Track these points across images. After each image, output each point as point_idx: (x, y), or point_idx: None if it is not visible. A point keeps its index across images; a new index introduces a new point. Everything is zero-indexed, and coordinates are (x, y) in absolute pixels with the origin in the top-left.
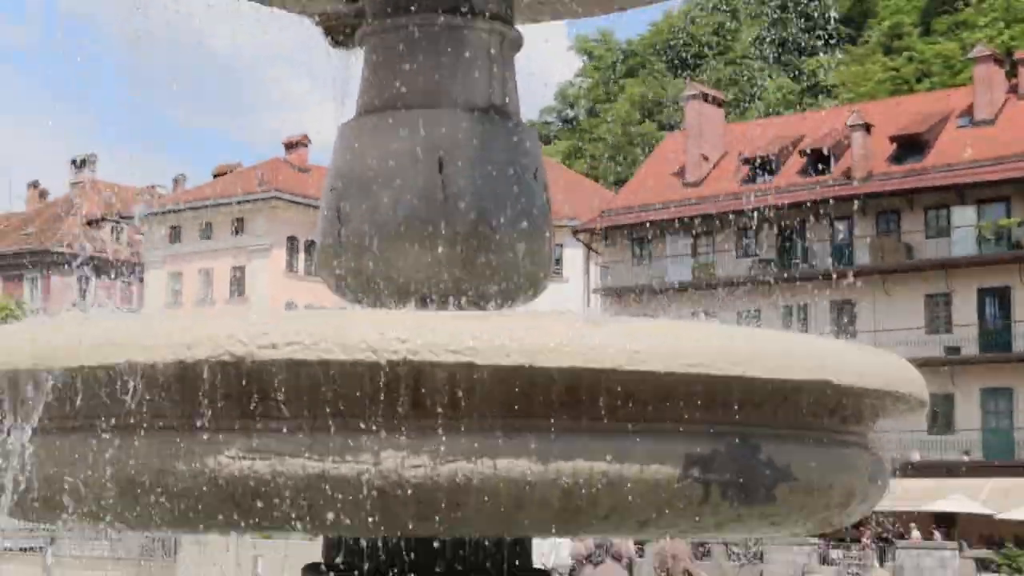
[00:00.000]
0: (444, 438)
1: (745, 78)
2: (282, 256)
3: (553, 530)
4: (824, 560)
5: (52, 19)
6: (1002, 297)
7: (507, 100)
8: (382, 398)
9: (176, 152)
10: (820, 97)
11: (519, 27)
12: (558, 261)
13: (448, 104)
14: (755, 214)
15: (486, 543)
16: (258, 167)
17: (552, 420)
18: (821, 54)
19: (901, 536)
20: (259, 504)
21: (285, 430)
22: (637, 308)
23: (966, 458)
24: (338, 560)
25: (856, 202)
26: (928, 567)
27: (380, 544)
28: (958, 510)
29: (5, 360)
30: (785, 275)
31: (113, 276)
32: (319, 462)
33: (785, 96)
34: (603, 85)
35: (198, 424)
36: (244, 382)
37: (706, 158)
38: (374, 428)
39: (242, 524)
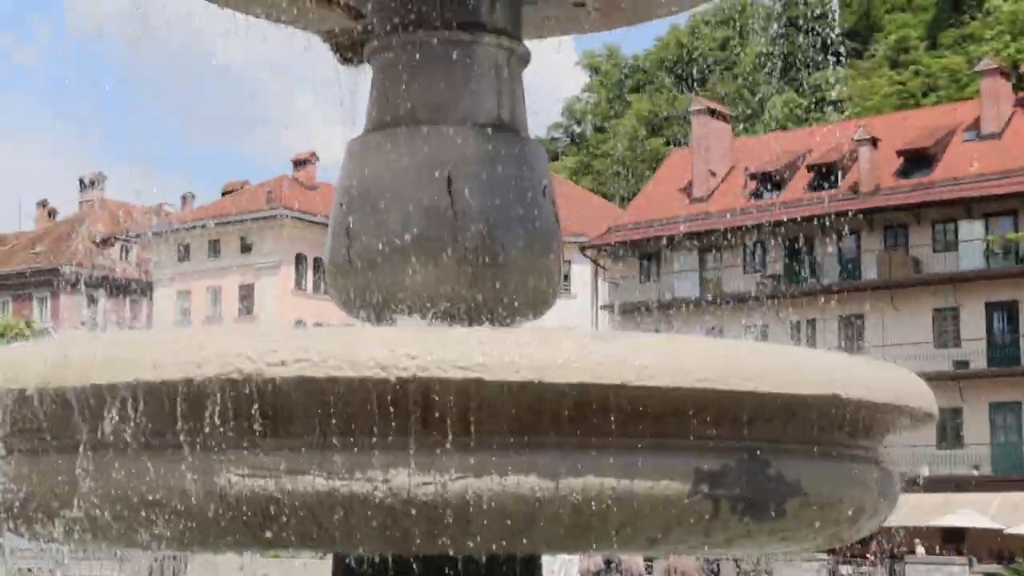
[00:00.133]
0: (453, 455)
1: (751, 93)
2: (290, 274)
3: (563, 547)
4: None
5: (59, 39)
6: (1010, 311)
7: (515, 116)
8: (391, 415)
9: (184, 170)
10: (826, 111)
11: (527, 43)
12: (566, 277)
13: (456, 120)
14: (762, 229)
15: (496, 560)
16: (266, 185)
17: (561, 436)
18: (827, 68)
19: (905, 553)
20: (268, 522)
21: (294, 448)
22: (645, 324)
23: (975, 472)
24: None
25: (863, 216)
26: None
27: (390, 562)
28: (967, 525)
29: (11, 379)
30: (793, 290)
31: (122, 295)
32: (328, 480)
33: (791, 111)
34: (610, 101)
35: (207, 442)
36: (253, 400)
37: (713, 173)
38: (383, 445)
39: (251, 543)
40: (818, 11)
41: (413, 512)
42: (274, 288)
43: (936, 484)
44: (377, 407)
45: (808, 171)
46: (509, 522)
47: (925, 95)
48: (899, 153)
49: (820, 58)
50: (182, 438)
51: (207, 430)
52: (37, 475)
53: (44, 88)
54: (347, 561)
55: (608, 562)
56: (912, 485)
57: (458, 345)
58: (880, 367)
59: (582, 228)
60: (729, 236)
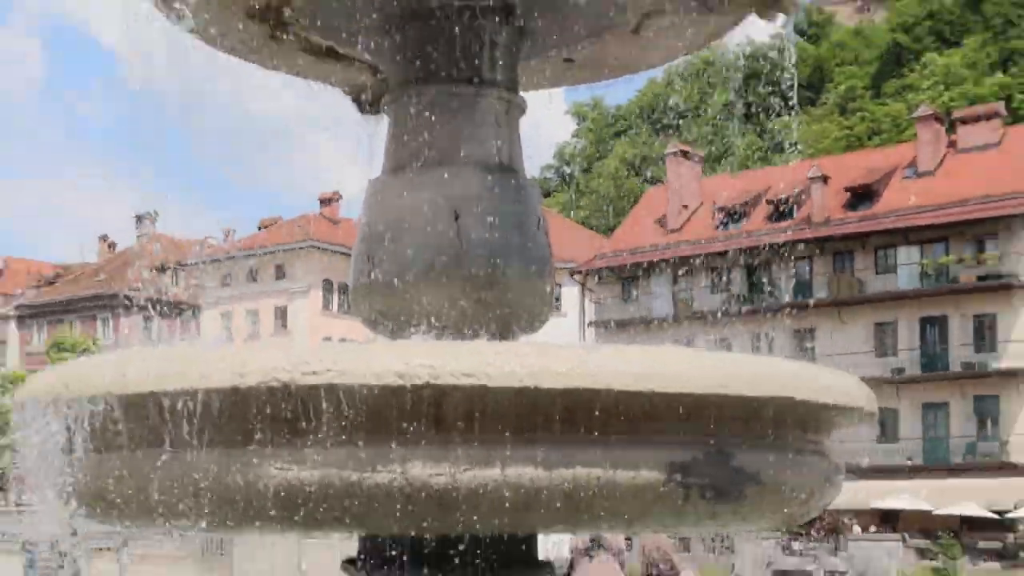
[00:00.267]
0: (462, 450)
1: (718, 137)
2: (319, 297)
3: (556, 527)
4: (787, 551)
5: (119, 95)
6: (941, 325)
7: (513, 158)
8: (408, 416)
9: (226, 208)
10: (783, 153)
11: (523, 94)
12: (557, 298)
13: (462, 163)
14: (727, 255)
15: (499, 538)
16: (297, 220)
17: (554, 433)
18: (784, 115)
19: (845, 529)
20: (303, 508)
21: (325, 445)
22: (626, 338)
23: (908, 462)
24: (372, 555)
25: (815, 244)
26: (876, 557)
27: (408, 540)
28: (901, 507)
29: (82, 387)
30: (753, 308)
31: (173, 316)
32: (354, 472)
33: (753, 153)
34: (595, 145)
35: (251, 440)
36: (289, 404)
37: (685, 207)
38: (402, 442)
39: (289, 526)
40: (776, 66)
41: (427, 498)
42: (305, 310)
43: (875, 472)
44: (396, 410)
45: (767, 205)
46: (509, 506)
47: (870, 138)
48: (846, 189)
49: (778, 106)
50: (231, 437)
51: (251, 430)
52: (107, 469)
53: (103, 137)
54: (371, 540)
55: (593, 539)
56: (854, 473)
57: (465, 356)
58: (828, 373)
59: (571, 255)
60: (699, 262)
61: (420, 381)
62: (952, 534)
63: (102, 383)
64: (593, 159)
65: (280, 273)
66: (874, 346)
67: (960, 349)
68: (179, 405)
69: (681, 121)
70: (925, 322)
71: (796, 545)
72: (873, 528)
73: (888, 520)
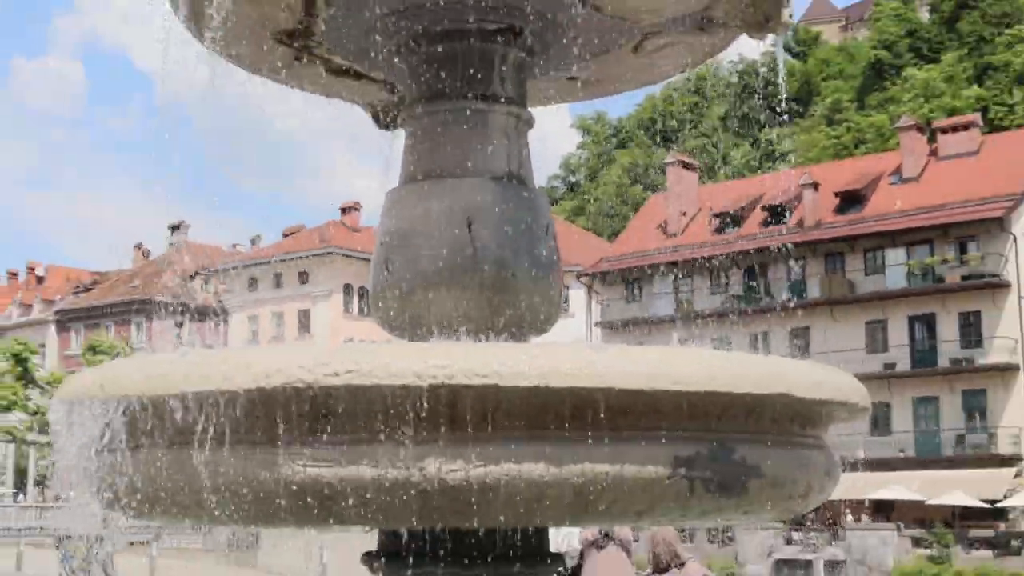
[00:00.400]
0: (475, 447)
1: (715, 147)
2: (340, 301)
3: (566, 521)
4: (788, 541)
5: (152, 112)
6: (928, 322)
7: (523, 169)
8: (424, 415)
9: (253, 217)
10: (776, 162)
11: (531, 109)
12: (565, 300)
13: (474, 174)
14: (725, 258)
15: (511, 531)
16: (319, 228)
17: (564, 430)
18: (776, 127)
19: (839, 519)
20: (325, 504)
21: (346, 443)
22: (630, 338)
23: (901, 455)
24: (391, 548)
25: (807, 247)
26: (872, 545)
27: (424, 534)
28: (895, 497)
29: (116, 389)
30: (751, 308)
31: (203, 320)
32: (374, 468)
33: (747, 161)
34: (599, 156)
35: (275, 439)
36: (312, 404)
37: (684, 214)
38: (418, 440)
39: (312, 521)
40: (767, 80)
41: (443, 494)
42: (327, 313)
43: (870, 464)
44: (412, 408)
45: (762, 211)
46: (521, 501)
47: (856, 147)
48: (836, 194)
49: (770, 118)
50: (255, 435)
51: (274, 429)
52: (139, 467)
53: (137, 150)
54: (389, 534)
55: (603, 532)
56: (850, 465)
57: (478, 357)
58: (823, 370)
59: (578, 259)
60: (698, 265)
61: (436, 381)
62: (945, 524)
63: (133, 385)
64: (597, 169)
65: (303, 278)
66: (866, 343)
67: (948, 345)
68: (205, 405)
69: (679, 133)
70: (914, 320)
71: (796, 535)
72: (865, 518)
73: (883, 510)
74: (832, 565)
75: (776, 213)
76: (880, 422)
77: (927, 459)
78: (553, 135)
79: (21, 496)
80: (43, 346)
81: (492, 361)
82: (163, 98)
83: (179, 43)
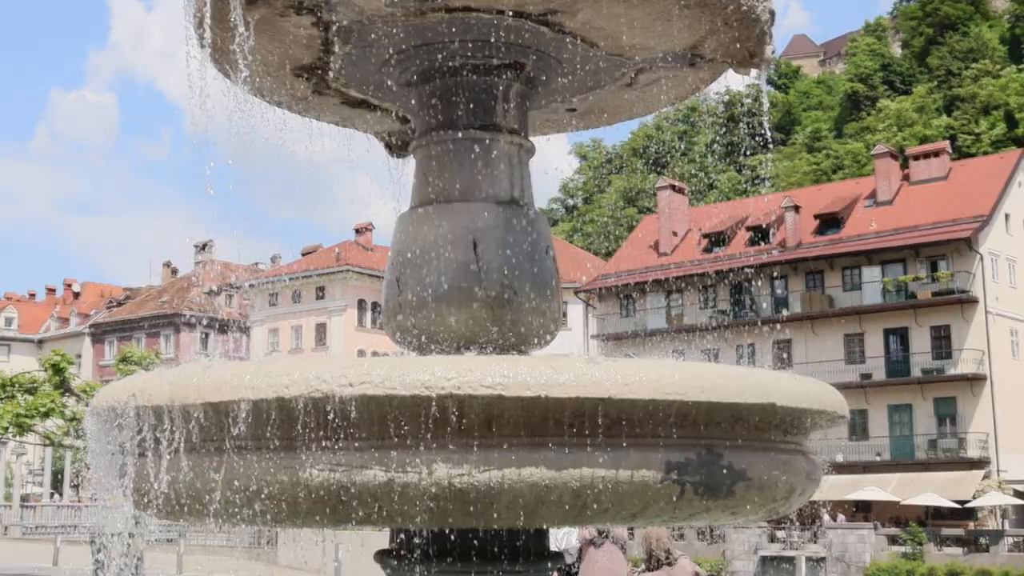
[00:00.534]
0: (480, 452)
1: (703, 172)
2: (354, 315)
3: (565, 522)
4: (772, 539)
5: (181, 141)
6: (902, 335)
7: (524, 194)
8: (433, 423)
9: (273, 237)
10: (760, 186)
11: (532, 138)
12: (564, 315)
13: (480, 199)
14: (713, 276)
15: (513, 531)
16: (335, 247)
17: (563, 437)
18: (760, 153)
19: (814, 520)
20: (341, 505)
21: (360, 448)
22: (625, 350)
23: (878, 458)
24: (402, 547)
25: (789, 265)
26: (851, 543)
27: (434, 533)
28: (872, 498)
29: (147, 398)
30: (737, 322)
31: (227, 333)
32: (386, 473)
33: (734, 186)
34: (595, 180)
35: (294, 445)
36: (328, 413)
37: (675, 234)
38: (427, 445)
39: (328, 521)
40: (751, 111)
41: (450, 496)
42: (342, 326)
43: (848, 467)
44: (422, 417)
45: (747, 231)
46: (523, 503)
47: (834, 172)
48: (816, 217)
49: (754, 146)
50: (276, 442)
51: (294, 435)
52: (166, 471)
53: (169, 178)
54: (401, 533)
55: (600, 530)
56: (830, 468)
57: (483, 369)
58: (804, 381)
59: (576, 276)
60: (688, 281)
61: (444, 391)
62: (918, 522)
63: (161, 394)
64: (593, 192)
65: (320, 294)
66: (844, 355)
67: (920, 357)
68: (230, 414)
69: (670, 159)
70: (889, 333)
71: (780, 534)
72: (841, 517)
73: (860, 510)
74: (814, 561)
75: (760, 234)
76: (858, 428)
77: (901, 462)
78: (552, 160)
79: (56, 496)
80: (79, 357)
81: (496, 373)
82: (192, 130)
83: (207, 78)
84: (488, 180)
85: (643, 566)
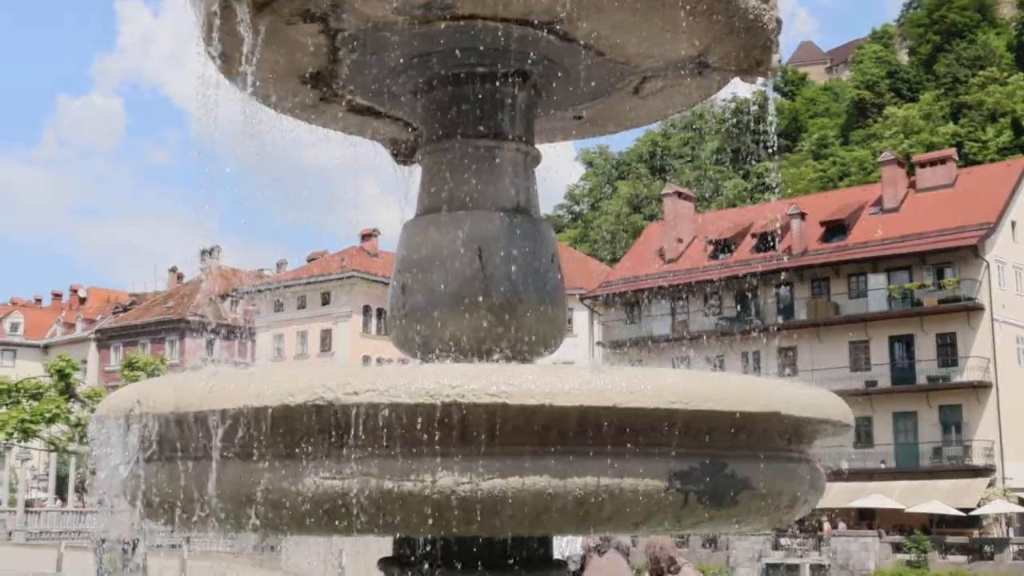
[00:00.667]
0: (484, 461)
1: (709, 179)
2: (359, 321)
3: (569, 530)
4: (776, 547)
5: (187, 147)
6: (908, 343)
7: (530, 202)
8: (437, 431)
9: (278, 243)
10: (766, 193)
11: (538, 146)
12: (569, 322)
13: (485, 206)
14: (719, 283)
15: (518, 539)
16: (340, 253)
17: (567, 446)
18: (766, 161)
19: (816, 530)
20: (345, 513)
21: (364, 456)
22: (630, 356)
23: (883, 466)
24: (405, 554)
25: (795, 272)
26: (855, 551)
27: (437, 541)
28: (877, 506)
29: (151, 406)
30: (742, 329)
31: (232, 338)
32: (390, 481)
33: (740, 192)
34: (601, 187)
35: (298, 452)
36: (332, 421)
37: (680, 241)
38: (432, 454)
39: (332, 529)
40: (758, 118)
41: (455, 504)
42: (347, 332)
43: (853, 475)
44: (426, 425)
45: (753, 238)
46: (527, 511)
47: (841, 179)
48: (822, 224)
49: (760, 153)
50: (279, 449)
51: (297, 443)
52: (171, 477)
53: (175, 183)
54: (404, 541)
55: (604, 539)
56: (835, 476)
57: (488, 377)
58: (809, 390)
59: (581, 283)
60: (693, 288)
61: (448, 399)
62: (923, 530)
63: (165, 401)
64: (599, 199)
65: (325, 300)
66: (849, 362)
67: (926, 364)
68: (235, 421)
69: (676, 166)
70: (894, 340)
71: (784, 541)
72: (842, 524)
73: (865, 518)
74: (817, 569)
75: (766, 241)
76: (863, 435)
77: (906, 470)
78: (558, 167)
79: (60, 501)
80: (84, 362)
81: (501, 381)
82: (198, 137)
83: (214, 85)
84: (494, 188)
85: (647, 574)
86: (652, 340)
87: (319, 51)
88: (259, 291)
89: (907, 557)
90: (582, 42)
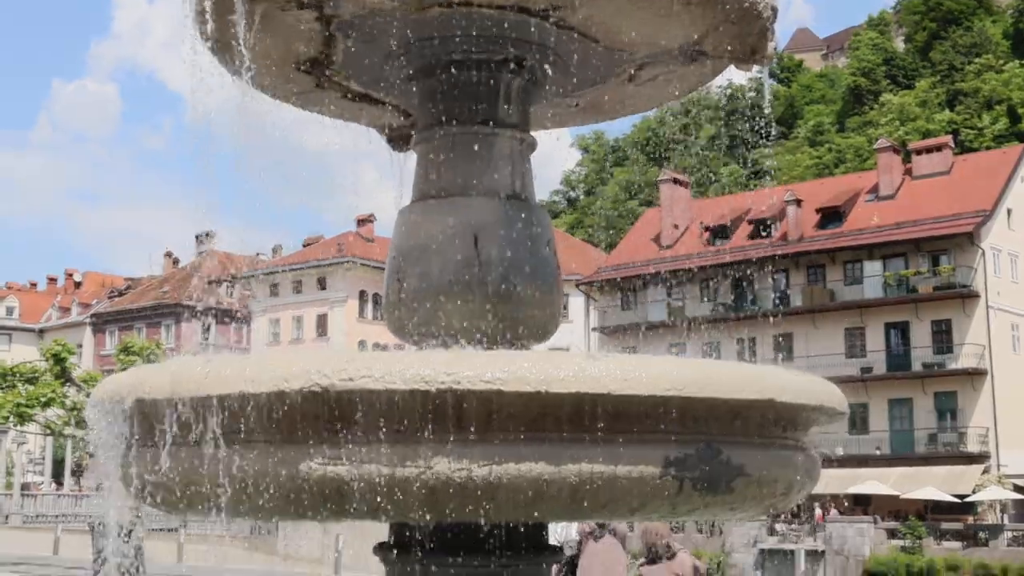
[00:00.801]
0: (480, 447)
1: (705, 165)
2: (355, 306)
3: (564, 516)
4: (771, 532)
5: (183, 132)
6: (903, 329)
7: (526, 188)
8: (432, 417)
9: (274, 228)
10: (762, 179)
11: (534, 133)
12: (565, 308)
13: (481, 193)
14: (714, 269)
15: (513, 525)
16: (336, 238)
17: (562, 432)
18: (762, 147)
19: (810, 516)
20: (341, 499)
21: (360, 443)
22: (626, 342)
23: (878, 452)
24: (401, 540)
25: (791, 259)
26: (850, 536)
27: (433, 527)
28: (872, 492)
29: (146, 392)
30: (738, 315)
31: (227, 323)
32: (386, 467)
33: (736, 179)
34: (597, 173)
35: (294, 438)
36: (328, 406)
37: (676, 227)
38: (427, 440)
39: (328, 514)
40: (754, 104)
41: (450, 490)
42: (343, 317)
43: (848, 461)
44: (422, 411)
45: (749, 224)
46: (522, 498)
47: (836, 166)
48: (818, 210)
49: (756, 139)
50: (274, 435)
51: (293, 429)
52: (167, 463)
53: (171, 168)
54: (400, 527)
55: (599, 524)
56: (830, 462)
57: (483, 364)
58: (804, 377)
59: (577, 269)
60: (689, 274)
61: (443, 386)
62: (918, 516)
63: (160, 387)
64: (595, 185)
65: (321, 285)
66: (845, 349)
67: (921, 351)
68: (231, 407)
69: (672, 152)
70: (890, 327)
71: (779, 527)
72: (833, 511)
73: (860, 504)
74: (812, 555)
75: (762, 227)
76: (858, 422)
77: (901, 456)
78: (554, 153)
79: (56, 485)
80: (80, 346)
81: (496, 368)
82: (193, 123)
83: (209, 70)
84: (489, 174)
85: (642, 560)
86: (648, 326)
87: (314, 37)
88: (255, 276)
89: (902, 543)
90: (578, 29)
